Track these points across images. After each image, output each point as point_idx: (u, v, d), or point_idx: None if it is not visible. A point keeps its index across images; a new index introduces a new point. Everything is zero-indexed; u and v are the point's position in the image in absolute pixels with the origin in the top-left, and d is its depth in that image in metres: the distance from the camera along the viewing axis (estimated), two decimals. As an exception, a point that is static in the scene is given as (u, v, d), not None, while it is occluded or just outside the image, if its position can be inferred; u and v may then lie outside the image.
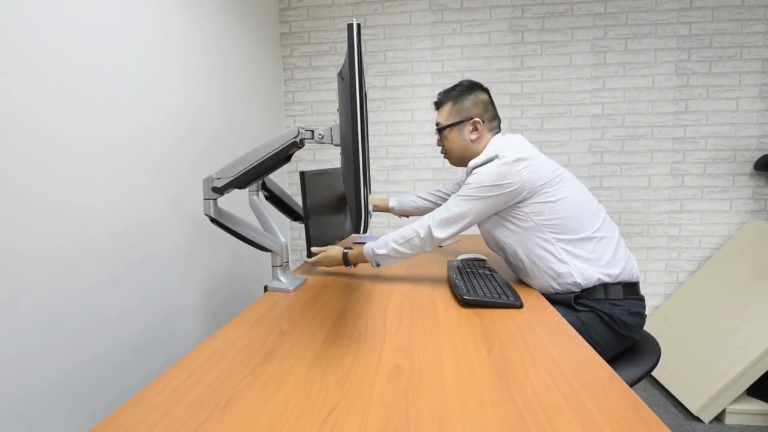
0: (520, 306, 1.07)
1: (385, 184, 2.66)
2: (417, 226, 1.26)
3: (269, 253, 1.29)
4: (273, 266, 1.29)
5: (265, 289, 1.28)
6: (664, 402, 2.02)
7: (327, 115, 2.65)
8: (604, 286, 1.19)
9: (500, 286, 1.17)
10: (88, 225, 1.14)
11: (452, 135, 1.35)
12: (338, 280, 1.39)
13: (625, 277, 1.20)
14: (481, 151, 1.32)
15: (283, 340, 0.91)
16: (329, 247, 1.44)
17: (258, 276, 2.26)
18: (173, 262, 1.51)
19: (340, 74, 0.86)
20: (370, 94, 2.62)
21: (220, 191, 1.12)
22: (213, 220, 1.15)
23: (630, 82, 2.45)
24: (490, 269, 1.35)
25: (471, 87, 1.34)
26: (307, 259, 1.45)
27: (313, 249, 1.43)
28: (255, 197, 1.44)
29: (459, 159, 1.39)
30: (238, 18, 2.05)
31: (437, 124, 1.38)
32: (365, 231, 0.81)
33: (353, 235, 2.18)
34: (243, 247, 2.05)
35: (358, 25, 0.77)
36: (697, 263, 2.53)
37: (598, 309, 1.19)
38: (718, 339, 2.00)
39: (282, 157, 1.06)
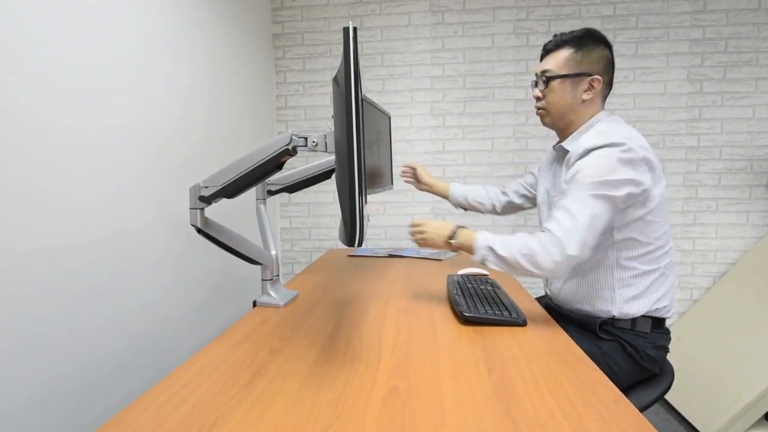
0: (523, 324, 1.08)
1: (381, 194, 2.67)
2: (549, 244, 1.05)
3: (259, 267, 1.30)
4: (263, 280, 1.30)
5: (254, 303, 1.29)
6: (677, 426, 2.02)
7: (321, 121, 2.68)
8: (633, 318, 1.18)
9: (503, 303, 1.18)
10: (66, 232, 1.15)
11: (562, 89, 1.21)
12: (331, 295, 1.40)
13: (659, 314, 1.19)
14: (587, 121, 1.23)
15: (273, 357, 0.92)
16: (432, 221, 1.24)
17: (247, 290, 2.26)
18: (157, 274, 1.52)
19: (335, 80, 0.88)
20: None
21: (207, 200, 1.13)
22: (200, 231, 1.16)
23: (640, 87, 2.49)
24: (492, 284, 1.36)
25: (597, 38, 1.20)
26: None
27: (416, 221, 1.26)
28: (261, 206, 1.46)
29: (557, 119, 1.26)
30: (227, 17, 2.08)
31: (545, 72, 1.23)
32: (360, 244, 0.83)
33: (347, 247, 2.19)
34: (231, 259, 2.06)
35: (354, 29, 0.80)
36: (712, 279, 2.55)
37: (623, 339, 1.18)
38: (735, 359, 2.01)
39: (274, 165, 1.08)
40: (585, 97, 1.21)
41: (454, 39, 2.58)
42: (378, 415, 0.70)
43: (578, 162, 1.11)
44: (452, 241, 1.17)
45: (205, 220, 1.17)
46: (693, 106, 2.48)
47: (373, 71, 2.63)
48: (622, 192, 1.06)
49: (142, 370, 1.44)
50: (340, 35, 2.64)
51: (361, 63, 2.62)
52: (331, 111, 2.68)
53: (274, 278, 1.32)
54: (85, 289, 1.21)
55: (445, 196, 1.68)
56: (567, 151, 1.23)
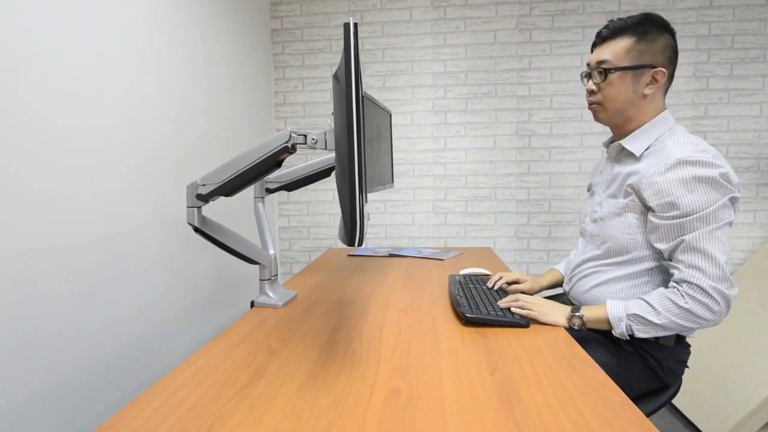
0: (526, 325, 1.08)
1: (381, 192, 2.67)
2: (702, 296, 1.00)
3: (257, 266, 1.30)
4: (261, 280, 1.30)
5: (252, 304, 1.29)
6: (682, 430, 2.02)
7: (321, 118, 2.67)
8: None
9: (505, 303, 1.18)
10: (61, 232, 1.15)
11: (622, 82, 1.13)
12: (331, 295, 1.39)
13: (684, 333, 1.16)
14: (649, 118, 1.15)
15: (271, 359, 0.92)
16: (541, 299, 1.16)
17: (245, 290, 2.26)
18: (153, 274, 1.51)
19: (336, 76, 0.88)
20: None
21: (205, 199, 1.13)
22: (197, 230, 1.16)
23: (646, 84, 2.49)
24: (494, 285, 1.36)
25: (660, 24, 1.12)
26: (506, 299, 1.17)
27: (521, 290, 1.22)
28: (260, 204, 1.46)
29: (614, 115, 1.17)
30: (225, 12, 2.08)
31: (601, 62, 1.14)
32: (360, 244, 0.82)
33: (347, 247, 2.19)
34: (229, 259, 2.06)
35: (355, 25, 0.79)
36: (719, 280, 2.54)
37: (645, 351, 1.15)
38: (743, 361, 2.01)
39: (272, 163, 1.07)
40: (647, 91, 1.12)
41: (456, 35, 2.57)
42: (378, 417, 0.69)
43: (673, 177, 1.04)
44: (578, 314, 1.09)
45: (203, 219, 1.16)
46: (699, 103, 2.48)
47: (373, 67, 2.63)
48: (733, 211, 1.05)
49: (139, 372, 1.44)
50: (340, 30, 2.64)
51: (362, 59, 2.62)
52: (330, 108, 2.68)
53: (273, 278, 1.31)
54: (81, 291, 1.21)
55: (561, 282, 1.48)
56: (623, 149, 1.19)
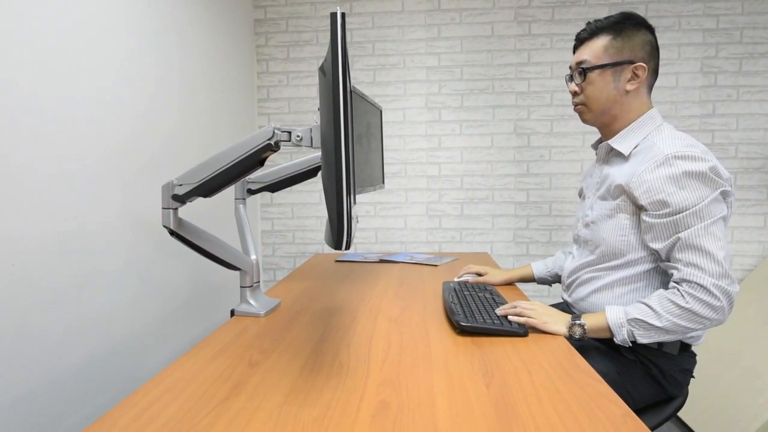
0: (524, 334, 1.08)
1: (370, 195, 2.68)
2: (704, 295, 1.02)
3: (238, 273, 1.30)
4: (242, 287, 1.30)
5: (232, 313, 1.29)
6: (690, 446, 2.04)
7: (306, 114, 2.67)
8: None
9: (502, 312, 1.19)
10: (18, 234, 1.14)
11: (602, 79, 1.20)
12: (317, 303, 1.39)
13: (689, 341, 1.18)
14: (635, 115, 1.21)
15: (252, 372, 0.92)
16: (537, 303, 1.18)
17: (224, 298, 2.25)
18: (123, 280, 1.50)
19: (322, 69, 0.88)
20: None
21: (181, 199, 1.13)
22: (172, 233, 1.16)
23: (651, 80, 2.52)
24: (491, 292, 1.37)
25: (637, 21, 1.19)
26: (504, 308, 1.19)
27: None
28: (241, 206, 1.46)
29: (599, 114, 1.24)
30: None
31: (580, 63, 1.22)
32: (348, 248, 0.83)
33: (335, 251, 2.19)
34: (207, 264, 2.05)
35: (343, 15, 0.80)
36: (728, 287, 2.57)
37: (648, 359, 1.16)
38: (752, 374, 2.03)
39: (254, 161, 1.07)
40: (629, 87, 1.19)
41: (451, 27, 2.59)
42: (367, 433, 0.70)
43: (662, 174, 1.08)
44: (579, 323, 1.10)
45: (179, 221, 1.16)
46: (706, 100, 2.51)
47: (363, 61, 2.63)
48: (726, 203, 1.09)
49: (107, 387, 1.43)
50: (328, 21, 2.64)
51: (351, 52, 2.63)
52: (317, 103, 2.68)
53: (255, 285, 1.31)
54: (40, 300, 1.19)
55: (532, 279, 1.60)
56: (612, 149, 1.24)
